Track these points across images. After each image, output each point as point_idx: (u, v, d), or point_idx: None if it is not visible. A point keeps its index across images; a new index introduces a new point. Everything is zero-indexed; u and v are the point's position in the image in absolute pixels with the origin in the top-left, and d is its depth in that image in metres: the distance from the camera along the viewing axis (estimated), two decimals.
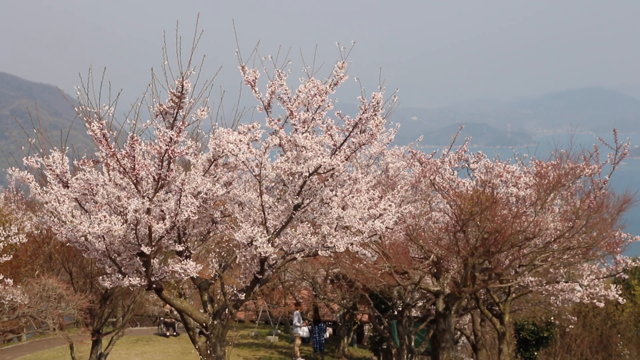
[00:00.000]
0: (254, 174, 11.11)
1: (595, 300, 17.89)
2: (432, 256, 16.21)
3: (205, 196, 10.95)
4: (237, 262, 12.80)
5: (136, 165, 10.24)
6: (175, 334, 30.79)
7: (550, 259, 16.70)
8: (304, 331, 26.15)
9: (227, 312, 12.49)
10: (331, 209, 11.20)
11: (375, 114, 10.82)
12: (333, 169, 10.86)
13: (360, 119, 10.80)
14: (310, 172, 10.72)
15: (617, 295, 18.03)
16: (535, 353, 23.06)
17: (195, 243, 12.39)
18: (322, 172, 10.87)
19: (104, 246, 10.56)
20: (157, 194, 10.51)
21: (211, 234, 12.52)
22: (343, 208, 11.33)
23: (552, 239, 16.42)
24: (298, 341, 25.97)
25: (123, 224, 10.25)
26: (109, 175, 10.75)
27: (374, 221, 11.62)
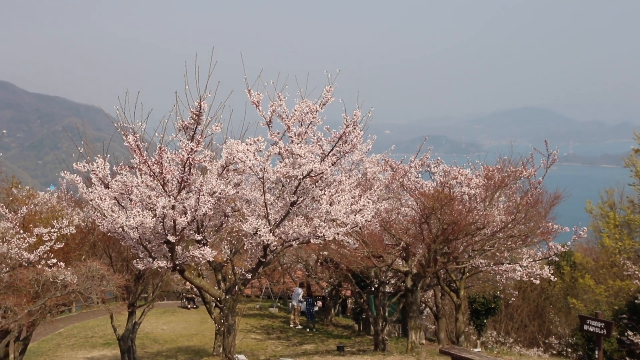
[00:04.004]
0: (258, 177, 11.12)
1: (532, 278, 17.91)
2: (402, 243, 16.21)
3: (219, 195, 10.94)
4: (244, 248, 12.80)
5: (163, 170, 10.23)
6: (195, 306, 30.65)
7: (496, 245, 16.73)
8: (304, 305, 26.14)
9: (236, 288, 12.46)
10: (321, 205, 11.20)
11: (356, 129, 10.84)
12: (322, 172, 10.87)
13: (344, 132, 10.81)
14: (304, 175, 10.73)
15: (549, 274, 18.07)
16: (485, 321, 23.13)
17: (211, 233, 12.35)
18: (313, 175, 10.88)
19: (138, 235, 10.53)
20: (180, 193, 10.49)
21: (224, 226, 12.48)
22: (330, 204, 11.33)
23: (498, 229, 16.45)
24: (298, 313, 26.01)
25: (153, 218, 10.23)
26: (141, 178, 10.72)
27: (355, 215, 11.63)
